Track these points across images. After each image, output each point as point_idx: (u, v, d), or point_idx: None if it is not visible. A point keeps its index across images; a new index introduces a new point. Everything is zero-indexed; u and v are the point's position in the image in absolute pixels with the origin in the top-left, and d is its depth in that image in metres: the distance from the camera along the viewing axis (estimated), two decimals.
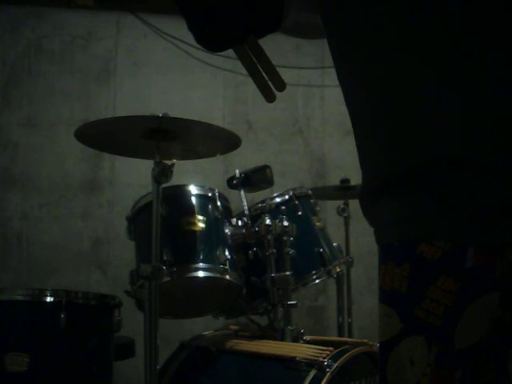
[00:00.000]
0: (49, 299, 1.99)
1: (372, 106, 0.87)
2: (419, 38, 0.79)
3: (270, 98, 1.13)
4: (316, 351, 1.97)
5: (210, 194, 2.33)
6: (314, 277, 2.40)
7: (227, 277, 2.20)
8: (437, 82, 0.79)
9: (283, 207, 2.41)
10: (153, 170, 2.02)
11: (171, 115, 2.01)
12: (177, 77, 3.99)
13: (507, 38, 0.75)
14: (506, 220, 0.77)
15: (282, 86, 1.11)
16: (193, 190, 2.33)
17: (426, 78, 0.79)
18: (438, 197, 0.78)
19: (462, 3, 0.77)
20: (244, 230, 2.32)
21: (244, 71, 1.12)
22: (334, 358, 1.90)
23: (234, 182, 2.46)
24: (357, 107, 0.91)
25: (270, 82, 1.11)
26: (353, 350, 1.97)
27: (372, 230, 0.90)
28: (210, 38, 1.04)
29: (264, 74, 1.11)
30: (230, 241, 2.29)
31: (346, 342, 2.12)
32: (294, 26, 1.13)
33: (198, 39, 1.03)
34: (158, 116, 1.99)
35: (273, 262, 2.23)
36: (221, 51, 1.06)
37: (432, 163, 0.79)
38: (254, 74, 1.10)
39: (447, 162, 0.78)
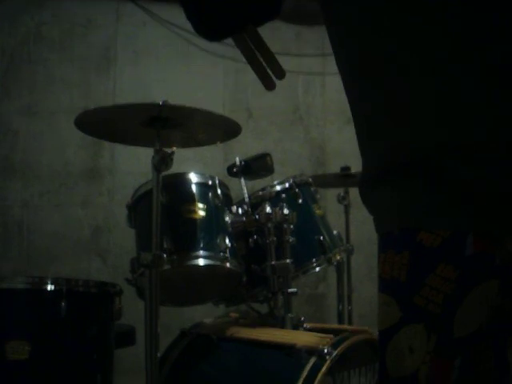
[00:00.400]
0: (49, 287, 1.99)
1: (371, 94, 0.87)
2: (418, 25, 0.79)
3: (269, 86, 1.13)
4: (316, 339, 1.98)
5: (210, 182, 2.33)
6: (315, 264, 2.40)
7: (227, 264, 2.21)
8: (436, 69, 0.79)
9: (283, 195, 2.41)
10: (153, 157, 2.02)
11: (171, 103, 2.00)
12: (177, 64, 3.98)
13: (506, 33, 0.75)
14: (506, 208, 0.77)
15: (281, 74, 1.11)
16: (193, 177, 2.32)
17: (425, 66, 0.79)
18: (437, 185, 0.78)
19: (462, 4, 0.76)
20: (244, 218, 2.32)
21: (244, 59, 1.12)
22: (334, 346, 1.90)
23: (235, 169, 2.46)
24: (356, 95, 0.91)
25: (269, 71, 1.11)
26: (353, 338, 1.98)
27: (372, 217, 0.90)
28: (209, 28, 1.04)
29: (263, 63, 1.11)
30: (230, 229, 2.29)
31: (345, 330, 2.13)
32: (293, 13, 1.13)
33: (197, 28, 1.03)
34: (158, 104, 1.99)
35: (273, 249, 2.23)
36: (219, 40, 1.06)
37: (432, 151, 0.78)
38: (253, 62, 1.10)
39: (447, 149, 0.77)
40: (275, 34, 1.05)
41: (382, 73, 0.84)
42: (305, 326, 2.21)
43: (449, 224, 0.78)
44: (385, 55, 0.83)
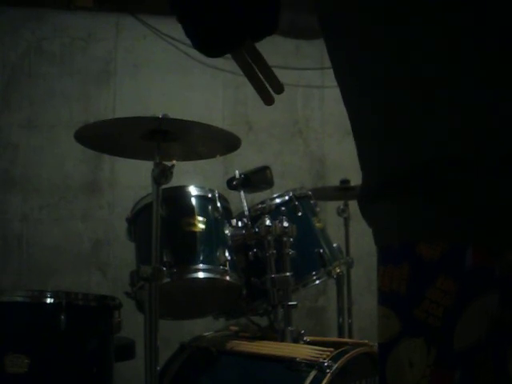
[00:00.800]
0: (49, 300, 1.99)
1: (371, 107, 0.87)
2: (419, 38, 0.79)
3: (268, 101, 1.13)
4: (316, 352, 1.97)
5: (209, 195, 2.34)
6: (314, 277, 2.40)
7: (227, 278, 2.20)
8: (436, 82, 0.79)
9: (283, 208, 2.41)
10: (153, 171, 2.02)
11: (171, 116, 2.01)
12: (176, 78, 3.99)
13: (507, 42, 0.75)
14: (506, 222, 0.77)
15: (280, 88, 1.11)
16: (193, 191, 2.33)
17: (426, 78, 0.79)
18: (436, 198, 0.78)
19: (461, 4, 0.77)
20: (244, 231, 2.32)
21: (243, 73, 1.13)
22: (335, 359, 1.90)
23: (234, 182, 2.46)
24: (356, 108, 0.91)
25: (268, 85, 1.11)
26: (353, 351, 1.97)
27: (371, 230, 0.90)
28: (208, 44, 1.04)
29: (262, 78, 1.12)
30: (229, 242, 2.29)
31: (346, 343, 2.12)
32: (291, 28, 1.13)
33: (196, 45, 1.03)
34: (158, 117, 1.99)
35: (273, 262, 2.23)
36: (218, 57, 1.07)
37: (431, 164, 0.78)
38: (251, 77, 1.11)
39: (447, 162, 0.77)
40: (274, 48, 1.06)
41: (381, 85, 0.84)
42: (305, 339, 2.21)
43: (448, 236, 0.78)
44: (385, 67, 0.83)
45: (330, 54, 0.95)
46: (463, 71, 0.77)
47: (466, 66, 0.77)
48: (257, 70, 1.12)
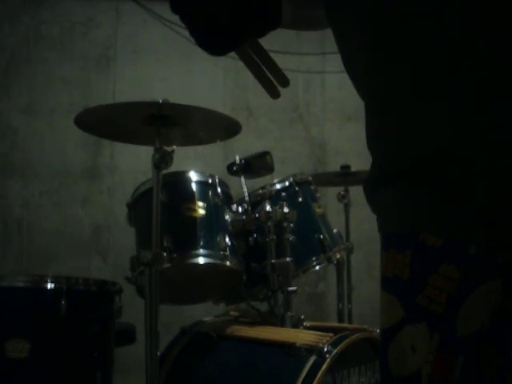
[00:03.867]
0: (49, 286, 2.00)
1: (379, 98, 0.86)
2: (425, 33, 0.79)
3: (274, 94, 1.14)
4: (316, 337, 1.98)
5: (210, 181, 2.33)
6: (315, 263, 2.40)
7: (227, 263, 2.21)
8: (437, 78, 0.78)
9: (283, 193, 2.41)
10: (153, 156, 2.02)
11: (171, 101, 2.00)
12: (177, 63, 3.98)
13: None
14: (506, 218, 0.76)
15: (285, 82, 1.11)
16: (193, 176, 2.32)
17: (431, 70, 0.79)
18: (438, 193, 0.78)
19: (462, 4, 0.76)
20: (244, 217, 2.32)
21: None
22: (334, 344, 1.90)
23: (235, 168, 2.46)
24: (364, 96, 0.91)
25: (273, 79, 1.12)
26: (353, 336, 1.98)
27: (372, 216, 0.90)
28: (211, 43, 1.04)
29: (267, 72, 1.12)
30: (230, 227, 2.29)
31: (345, 328, 2.13)
32: (293, 21, 1.12)
33: (199, 44, 1.03)
34: (158, 102, 1.99)
35: (273, 248, 2.23)
36: (223, 55, 1.06)
37: (434, 157, 0.78)
38: (256, 72, 1.11)
39: (450, 157, 0.77)
40: (275, 33, 1.05)
41: (390, 73, 0.83)
42: (305, 324, 2.21)
43: (449, 232, 0.78)
44: (394, 58, 0.82)
45: (340, 37, 0.94)
46: (464, 67, 0.77)
47: (467, 62, 0.77)
48: (261, 65, 1.12)
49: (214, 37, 1.03)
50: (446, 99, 0.78)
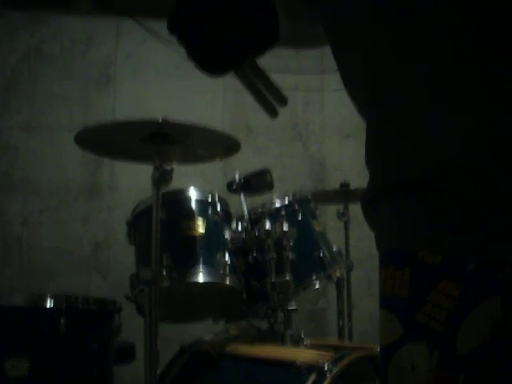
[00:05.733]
0: (49, 304, 2.00)
1: (374, 109, 0.87)
2: (425, 44, 0.79)
3: (272, 114, 1.14)
4: (316, 355, 1.97)
5: (209, 199, 2.34)
6: (314, 281, 2.40)
7: (227, 281, 2.20)
8: (437, 86, 0.79)
9: (283, 211, 2.41)
10: (152, 174, 2.02)
11: (171, 120, 2.01)
12: (176, 81, 3.99)
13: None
14: (507, 236, 0.76)
15: (283, 101, 1.12)
16: (192, 194, 2.33)
17: (425, 82, 0.79)
18: (437, 209, 0.78)
19: (473, 8, 0.76)
20: (244, 234, 2.32)
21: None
22: (335, 362, 1.90)
23: (234, 186, 2.46)
24: (362, 110, 0.91)
25: (271, 98, 1.12)
26: (353, 354, 1.97)
27: (372, 234, 0.90)
28: (209, 65, 1.04)
29: (264, 91, 1.12)
30: (229, 245, 2.29)
31: (346, 346, 2.12)
32: (291, 39, 1.13)
33: (197, 66, 1.03)
34: (158, 120, 1.99)
35: (273, 266, 2.23)
36: (221, 76, 1.07)
37: (432, 172, 0.78)
38: (254, 92, 1.11)
39: (447, 172, 0.77)
40: (274, 52, 1.05)
41: (388, 86, 0.83)
42: (305, 342, 2.21)
43: (448, 251, 0.78)
44: (390, 72, 0.83)
45: (337, 50, 0.95)
46: (465, 75, 0.77)
47: (468, 69, 0.77)
48: (259, 84, 1.12)
49: (211, 57, 1.03)
50: (445, 115, 0.78)
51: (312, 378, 1.86)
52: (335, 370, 1.86)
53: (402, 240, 0.82)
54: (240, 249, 2.33)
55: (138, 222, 2.34)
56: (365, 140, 0.90)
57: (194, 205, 2.31)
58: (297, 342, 2.20)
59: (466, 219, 0.77)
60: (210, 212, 2.30)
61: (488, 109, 0.76)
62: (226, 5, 1.00)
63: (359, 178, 3.36)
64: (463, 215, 0.77)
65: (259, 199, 2.56)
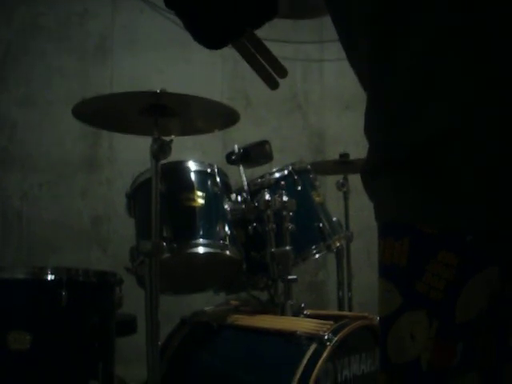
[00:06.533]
0: (49, 277, 2.00)
1: (378, 84, 0.86)
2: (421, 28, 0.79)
3: (273, 86, 1.14)
4: (316, 325, 1.98)
5: (209, 170, 2.33)
6: (314, 251, 2.40)
7: (227, 252, 2.21)
8: (435, 63, 0.78)
9: (282, 182, 2.40)
10: (151, 146, 2.02)
11: (169, 91, 2.00)
12: (174, 53, 3.96)
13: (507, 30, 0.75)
14: (505, 208, 0.76)
15: (283, 73, 1.11)
16: (192, 165, 2.32)
17: (433, 58, 0.79)
18: (435, 183, 0.78)
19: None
20: (243, 206, 2.32)
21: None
22: (335, 332, 1.91)
23: (233, 157, 2.45)
24: (365, 83, 0.91)
25: (271, 70, 1.11)
26: (353, 324, 1.98)
27: (371, 204, 0.90)
28: (207, 37, 1.03)
29: (264, 63, 1.11)
30: (229, 216, 2.29)
31: (346, 316, 2.13)
32: (290, 10, 1.12)
33: (195, 39, 1.03)
34: (156, 92, 1.98)
35: (272, 237, 2.24)
36: (219, 48, 1.06)
37: (433, 144, 0.78)
38: (254, 64, 1.11)
39: (449, 144, 0.77)
40: (272, 22, 1.04)
41: (388, 58, 0.83)
42: (305, 312, 2.22)
43: (446, 225, 0.78)
44: (391, 47, 0.82)
45: (344, 25, 0.94)
46: (462, 54, 0.77)
47: (466, 49, 0.76)
48: (258, 56, 1.11)
49: (209, 30, 1.02)
50: (444, 87, 0.78)
51: (312, 347, 1.87)
52: (335, 340, 1.88)
53: (401, 214, 0.82)
54: (240, 220, 2.33)
55: (138, 194, 2.34)
56: (365, 111, 0.90)
57: (193, 176, 2.31)
58: (297, 312, 2.21)
59: (463, 193, 0.76)
60: (209, 183, 2.30)
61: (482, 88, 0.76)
62: None
63: (358, 149, 3.34)
64: (461, 190, 0.76)
65: (259, 170, 2.56)
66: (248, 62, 1.12)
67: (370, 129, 0.89)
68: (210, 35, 1.04)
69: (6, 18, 3.84)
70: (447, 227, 0.78)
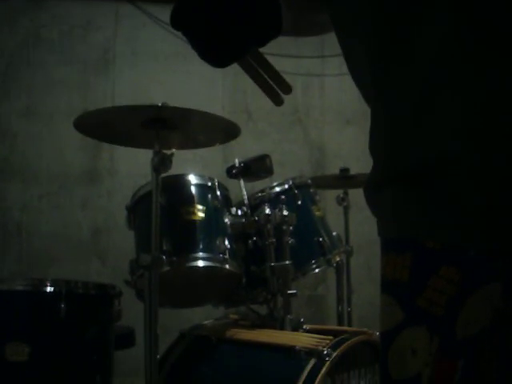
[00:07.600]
0: (48, 289, 2.00)
1: (377, 98, 0.86)
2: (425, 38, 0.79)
3: (277, 102, 1.14)
4: (315, 340, 1.97)
5: (209, 184, 2.33)
6: (314, 266, 2.40)
7: (227, 266, 2.20)
8: (438, 80, 0.78)
9: (283, 196, 2.41)
10: (152, 159, 2.02)
11: (170, 104, 2.00)
12: (176, 66, 3.98)
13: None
14: (506, 223, 0.76)
15: (288, 89, 1.12)
16: (192, 179, 2.32)
17: (428, 78, 0.79)
18: (437, 197, 0.78)
19: (473, 5, 0.76)
20: (243, 220, 2.32)
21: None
22: (334, 347, 1.90)
23: (234, 171, 2.46)
24: (367, 97, 0.91)
25: (275, 87, 1.12)
26: (352, 339, 1.98)
27: (372, 219, 0.90)
28: (213, 57, 1.04)
29: (269, 80, 1.12)
30: (229, 230, 2.29)
31: (345, 331, 2.13)
32: (293, 27, 1.12)
33: (202, 57, 1.03)
34: (157, 105, 1.99)
35: (272, 251, 2.23)
36: (225, 67, 1.07)
37: (436, 160, 0.78)
38: (258, 81, 1.11)
39: (451, 160, 0.77)
40: None
41: (391, 76, 0.83)
42: (304, 327, 2.21)
43: (448, 240, 0.78)
44: (394, 61, 0.82)
45: (344, 35, 0.94)
46: (465, 71, 0.77)
47: (469, 66, 0.76)
48: (263, 73, 1.12)
49: (215, 50, 1.03)
50: (446, 106, 0.78)
51: (311, 362, 1.86)
52: (334, 355, 1.87)
53: (404, 229, 0.82)
54: (240, 234, 2.33)
55: (138, 207, 2.34)
56: (370, 127, 0.90)
57: (193, 190, 2.31)
58: (296, 327, 2.20)
59: (465, 209, 0.76)
60: (209, 197, 2.30)
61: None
62: None
63: (359, 163, 3.36)
64: (463, 205, 0.76)
65: (259, 184, 2.56)
66: (252, 79, 1.12)
67: (374, 145, 0.89)
68: (216, 55, 1.04)
69: (9, 30, 3.86)
70: (449, 242, 0.78)
